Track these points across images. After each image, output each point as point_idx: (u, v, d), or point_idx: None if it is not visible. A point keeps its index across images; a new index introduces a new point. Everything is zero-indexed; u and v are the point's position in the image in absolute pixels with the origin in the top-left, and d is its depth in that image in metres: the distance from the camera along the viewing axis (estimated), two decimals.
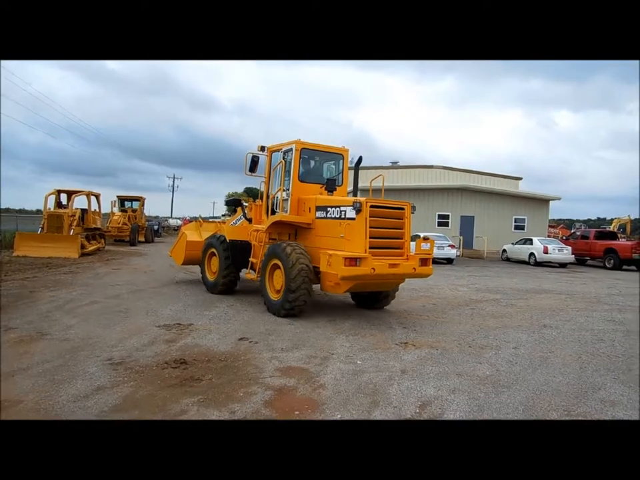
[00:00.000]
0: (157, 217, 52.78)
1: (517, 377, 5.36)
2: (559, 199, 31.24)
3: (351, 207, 7.56)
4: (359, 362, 5.64)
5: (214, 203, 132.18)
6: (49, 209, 18.81)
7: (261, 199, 9.98)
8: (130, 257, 18.76)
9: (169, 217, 64.86)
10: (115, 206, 28.04)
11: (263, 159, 9.79)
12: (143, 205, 29.81)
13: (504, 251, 26.34)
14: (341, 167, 9.59)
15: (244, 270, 10.05)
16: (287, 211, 8.83)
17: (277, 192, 9.00)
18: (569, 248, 23.17)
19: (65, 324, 6.84)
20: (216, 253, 10.18)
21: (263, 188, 9.93)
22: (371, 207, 7.56)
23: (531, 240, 24.18)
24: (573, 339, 7.45)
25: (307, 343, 6.43)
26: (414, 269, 7.80)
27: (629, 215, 48.62)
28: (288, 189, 8.86)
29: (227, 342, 6.28)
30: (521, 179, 35.93)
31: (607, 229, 37.60)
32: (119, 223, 26.06)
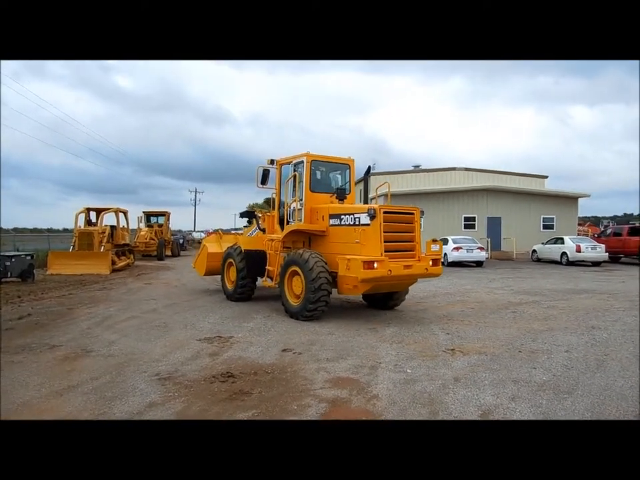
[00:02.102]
0: (179, 231, 53.33)
1: (576, 382, 5.13)
2: (589, 196, 30.46)
3: (366, 214, 7.99)
4: (408, 370, 5.48)
5: (235, 215, 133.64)
6: (80, 226, 19.12)
7: (273, 209, 10.51)
8: (159, 272, 18.93)
9: (192, 231, 65.44)
10: (141, 221, 28.42)
11: (273, 171, 10.22)
12: (168, 220, 30.14)
13: (534, 251, 25.77)
14: (347, 176, 10.12)
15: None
16: (301, 220, 9.18)
17: (292, 202, 9.41)
18: (602, 246, 22.51)
19: (106, 340, 6.85)
20: (233, 263, 10.64)
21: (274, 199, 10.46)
22: (384, 212, 8.05)
23: (562, 239, 23.60)
24: (625, 340, 7.14)
25: (352, 352, 6.29)
26: (426, 269, 8.31)
27: None
28: (301, 199, 9.24)
29: (271, 353, 6.18)
30: (546, 177, 35.26)
31: (637, 224, 36.52)
32: (146, 239, 26.40)
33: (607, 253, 22.62)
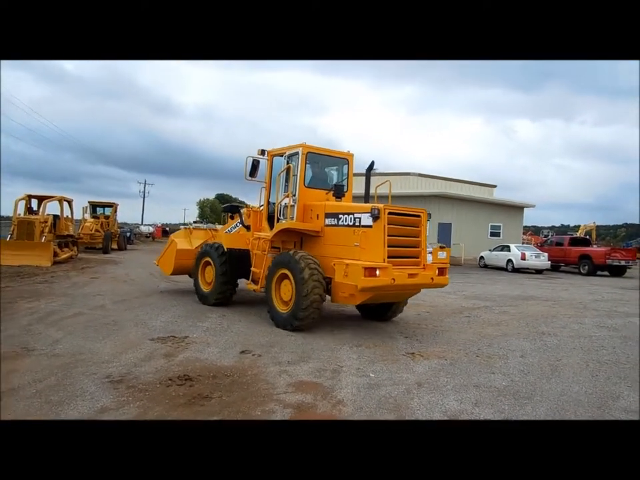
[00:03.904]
0: (125, 224, 51.24)
1: (534, 387, 5.23)
2: (534, 206, 31.96)
3: (368, 214, 7.14)
4: (371, 375, 5.42)
5: (185, 209, 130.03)
6: (19, 214, 17.94)
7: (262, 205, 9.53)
8: (105, 265, 18.06)
9: (139, 224, 63.22)
10: (86, 212, 27.11)
11: (264, 163, 9.35)
12: (115, 212, 28.90)
13: (481, 257, 26.64)
14: (345, 172, 9.22)
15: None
16: (293, 217, 8.32)
17: (284, 198, 8.51)
18: (546, 254, 23.60)
19: (51, 338, 6.37)
20: (211, 262, 9.61)
21: (263, 194, 9.51)
22: (389, 213, 7.17)
23: (509, 247, 24.53)
24: (574, 346, 7.42)
25: (313, 355, 6.17)
26: (432, 278, 7.42)
27: (594, 222, 50.32)
28: (295, 195, 8.40)
29: (229, 355, 5.95)
30: (495, 186, 36.61)
31: (575, 235, 38.65)
32: (91, 230, 25.18)
33: (550, 262, 23.73)
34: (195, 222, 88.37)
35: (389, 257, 7.05)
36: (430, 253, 7.93)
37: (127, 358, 5.61)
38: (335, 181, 9.17)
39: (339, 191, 8.62)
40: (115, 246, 27.51)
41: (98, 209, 28.60)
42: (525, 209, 31.96)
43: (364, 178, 8.98)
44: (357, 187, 10.05)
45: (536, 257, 23.23)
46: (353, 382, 5.12)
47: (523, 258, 22.97)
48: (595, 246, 28.91)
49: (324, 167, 9.28)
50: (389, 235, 7.10)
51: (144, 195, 70.68)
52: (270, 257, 8.58)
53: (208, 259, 9.76)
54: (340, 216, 7.78)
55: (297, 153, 8.50)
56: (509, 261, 23.79)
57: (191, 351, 6.09)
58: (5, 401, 4.10)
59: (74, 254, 19.92)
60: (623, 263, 23.10)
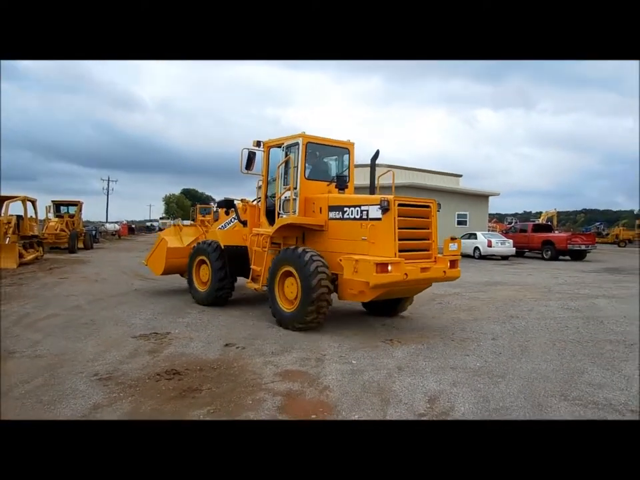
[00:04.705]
0: (88, 222, 49.71)
1: (506, 367, 5.56)
2: (498, 194, 32.85)
3: (377, 206, 6.81)
4: (353, 361, 5.63)
5: (150, 205, 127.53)
6: None
7: (259, 200, 9.19)
8: (73, 265, 17.69)
9: (104, 222, 61.70)
10: (50, 211, 26.35)
11: (260, 155, 8.92)
12: (80, 210, 28.20)
13: None
14: (346, 163, 8.85)
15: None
16: (295, 212, 7.89)
17: (285, 191, 8.09)
18: (511, 241, 24.40)
19: (30, 340, 6.32)
20: (207, 261, 9.19)
21: (260, 187, 9.14)
22: (399, 205, 6.85)
23: (475, 234, 25.22)
24: (541, 327, 7.84)
25: (295, 345, 6.33)
26: (444, 272, 7.18)
27: (555, 209, 52.26)
28: (296, 188, 7.96)
29: (214, 349, 6.06)
30: (461, 175, 37.44)
31: (537, 221, 40.02)
32: (56, 230, 24.51)
33: (514, 248, 24.56)
34: (161, 218, 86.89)
35: (399, 251, 6.75)
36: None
37: (111, 356, 5.64)
38: (334, 172, 8.84)
39: (341, 183, 8.22)
40: (81, 245, 26.88)
41: (62, 207, 27.83)
42: (489, 197, 32.86)
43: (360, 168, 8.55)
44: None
45: (502, 243, 24.00)
46: (337, 369, 5.32)
47: (490, 245, 23.68)
48: (556, 232, 30.01)
49: (323, 157, 8.93)
50: (399, 228, 6.79)
51: (108, 192, 69.01)
52: (270, 253, 8.28)
53: (203, 257, 9.36)
54: (345, 209, 7.43)
55: (296, 144, 8.11)
56: (476, 248, 24.46)
57: (175, 346, 6.16)
58: None
59: (39, 254, 19.41)
60: (583, 247, 24.13)
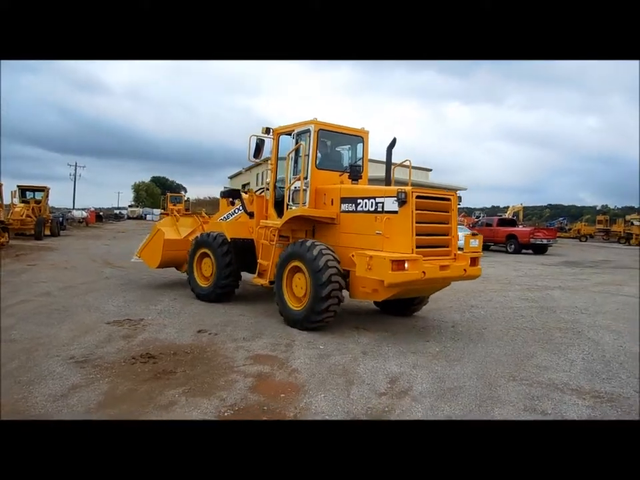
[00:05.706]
0: (54, 209, 48.44)
1: (463, 352, 5.99)
2: (466, 189, 33.73)
3: (393, 198, 6.36)
4: (321, 347, 5.95)
5: (119, 193, 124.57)
6: None
7: (268, 189, 8.70)
8: (41, 252, 17.44)
9: (71, 209, 60.22)
10: (15, 197, 25.74)
11: (269, 142, 8.42)
12: (47, 196, 27.62)
13: None
14: (360, 152, 8.30)
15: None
16: (305, 203, 7.42)
17: (295, 181, 7.65)
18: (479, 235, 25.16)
19: (2, 324, 6.39)
20: (210, 254, 8.64)
21: (269, 177, 8.63)
22: (417, 197, 6.38)
23: None
24: (498, 316, 8.35)
25: (265, 332, 6.61)
26: (464, 270, 6.75)
27: (521, 203, 53.85)
28: (307, 178, 7.49)
29: (187, 335, 6.28)
30: (431, 170, 38.21)
31: (503, 216, 41.27)
32: (22, 215, 23.95)
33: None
34: (130, 206, 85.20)
35: (416, 247, 6.29)
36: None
37: (86, 340, 5.80)
38: (347, 162, 8.35)
39: (355, 173, 7.63)
40: (47, 232, 26.32)
41: (28, 193, 27.20)
42: (458, 191, 33.68)
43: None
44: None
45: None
46: (305, 353, 5.63)
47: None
48: (520, 226, 31.05)
49: (335, 146, 8.46)
50: (417, 222, 6.32)
51: (75, 178, 67.35)
52: (279, 247, 7.83)
53: (205, 250, 8.79)
54: (359, 201, 6.96)
55: (307, 130, 7.59)
56: None
57: (148, 332, 6.35)
58: None
59: (4, 241, 19.01)
60: (544, 241, 25.14)
